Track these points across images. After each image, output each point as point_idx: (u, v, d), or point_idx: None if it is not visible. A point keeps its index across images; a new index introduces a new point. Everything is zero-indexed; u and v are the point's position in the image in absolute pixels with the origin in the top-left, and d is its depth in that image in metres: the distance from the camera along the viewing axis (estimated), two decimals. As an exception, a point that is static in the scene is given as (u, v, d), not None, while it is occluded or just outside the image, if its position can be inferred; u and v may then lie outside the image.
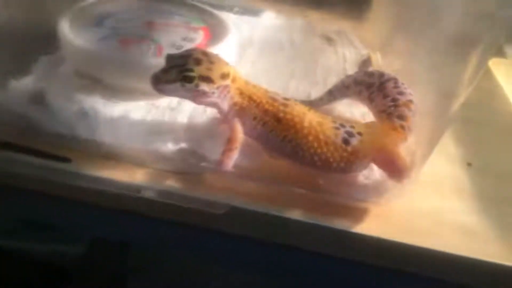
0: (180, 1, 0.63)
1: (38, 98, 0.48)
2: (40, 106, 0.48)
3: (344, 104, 0.55)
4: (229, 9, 0.69)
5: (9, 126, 0.47)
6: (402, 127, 0.46)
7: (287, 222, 0.44)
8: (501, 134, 0.60)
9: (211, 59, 0.43)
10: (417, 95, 0.48)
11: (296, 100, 0.46)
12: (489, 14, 0.37)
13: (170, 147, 0.46)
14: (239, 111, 0.45)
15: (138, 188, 0.44)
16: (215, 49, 0.50)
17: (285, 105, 0.44)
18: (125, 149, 0.46)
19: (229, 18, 0.62)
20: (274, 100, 0.45)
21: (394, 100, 0.48)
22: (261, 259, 0.49)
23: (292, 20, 0.72)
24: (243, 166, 0.45)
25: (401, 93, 0.48)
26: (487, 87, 0.69)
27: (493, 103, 0.67)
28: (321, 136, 0.43)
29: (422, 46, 0.51)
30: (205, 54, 0.44)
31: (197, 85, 0.42)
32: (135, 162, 0.46)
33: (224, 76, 0.43)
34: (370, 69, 0.59)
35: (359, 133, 0.44)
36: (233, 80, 0.44)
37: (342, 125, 0.44)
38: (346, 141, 0.43)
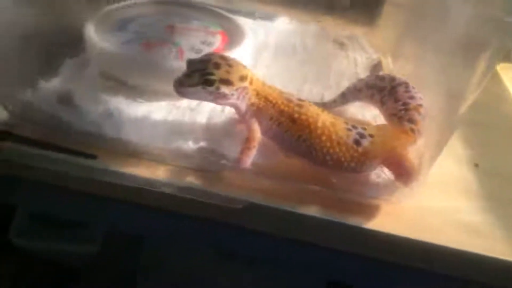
0: (199, 6, 0.65)
1: (65, 99, 0.50)
2: (68, 107, 0.50)
3: (356, 106, 0.56)
4: (248, 14, 0.70)
5: (40, 125, 0.49)
6: (412, 130, 0.46)
7: (302, 218, 0.45)
8: (508, 136, 0.60)
9: (229, 63, 0.45)
10: (427, 98, 0.49)
11: (310, 101, 0.47)
12: (497, 19, 0.38)
13: (190, 145, 0.48)
14: (256, 111, 0.46)
15: (160, 184, 0.46)
16: (232, 53, 0.52)
17: (300, 106, 0.45)
18: (148, 147, 0.48)
19: (245, 23, 0.64)
20: (289, 101, 0.46)
21: (405, 104, 0.49)
22: (277, 254, 0.50)
23: (306, 25, 0.73)
24: (260, 164, 0.46)
25: (411, 97, 0.49)
26: (495, 91, 0.70)
27: (500, 106, 0.67)
28: (334, 137, 0.44)
29: (431, 50, 0.52)
30: (223, 58, 0.45)
31: (217, 88, 0.44)
32: (158, 159, 0.48)
33: (243, 78, 0.45)
34: (381, 73, 0.60)
35: (371, 135, 0.45)
36: (251, 82, 0.46)
37: (354, 127, 0.45)
38: (357, 142, 0.44)
